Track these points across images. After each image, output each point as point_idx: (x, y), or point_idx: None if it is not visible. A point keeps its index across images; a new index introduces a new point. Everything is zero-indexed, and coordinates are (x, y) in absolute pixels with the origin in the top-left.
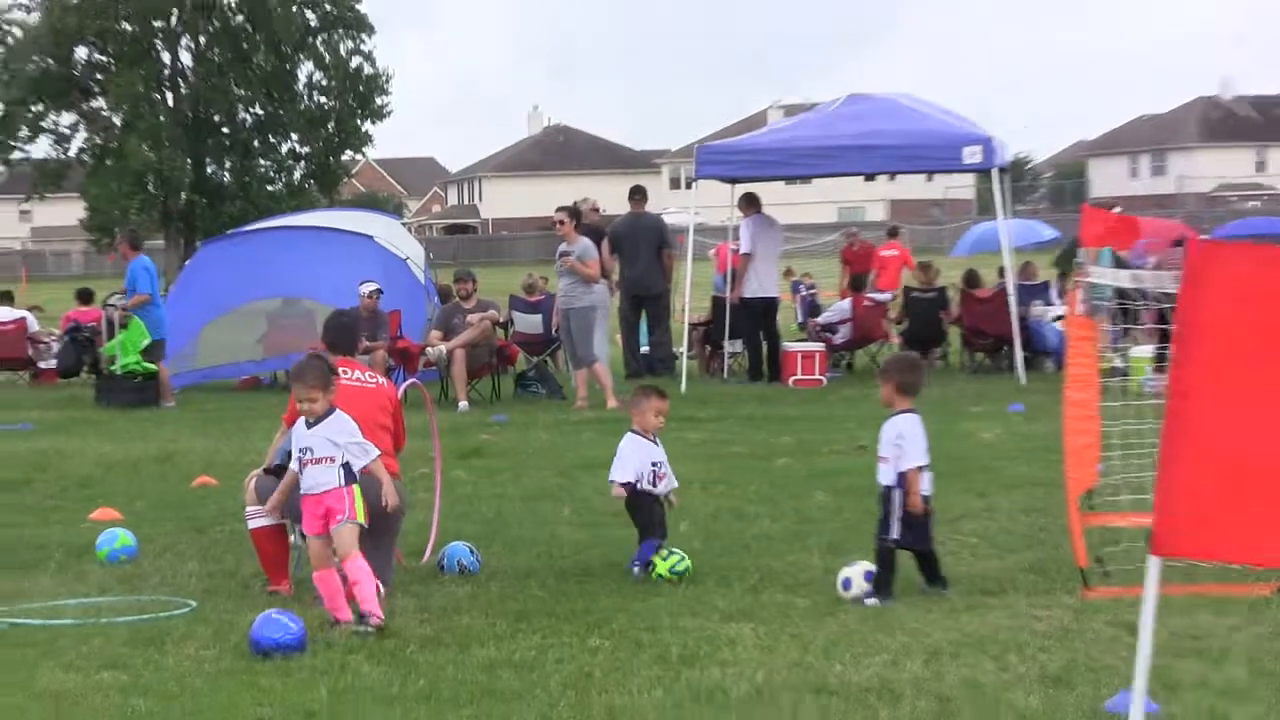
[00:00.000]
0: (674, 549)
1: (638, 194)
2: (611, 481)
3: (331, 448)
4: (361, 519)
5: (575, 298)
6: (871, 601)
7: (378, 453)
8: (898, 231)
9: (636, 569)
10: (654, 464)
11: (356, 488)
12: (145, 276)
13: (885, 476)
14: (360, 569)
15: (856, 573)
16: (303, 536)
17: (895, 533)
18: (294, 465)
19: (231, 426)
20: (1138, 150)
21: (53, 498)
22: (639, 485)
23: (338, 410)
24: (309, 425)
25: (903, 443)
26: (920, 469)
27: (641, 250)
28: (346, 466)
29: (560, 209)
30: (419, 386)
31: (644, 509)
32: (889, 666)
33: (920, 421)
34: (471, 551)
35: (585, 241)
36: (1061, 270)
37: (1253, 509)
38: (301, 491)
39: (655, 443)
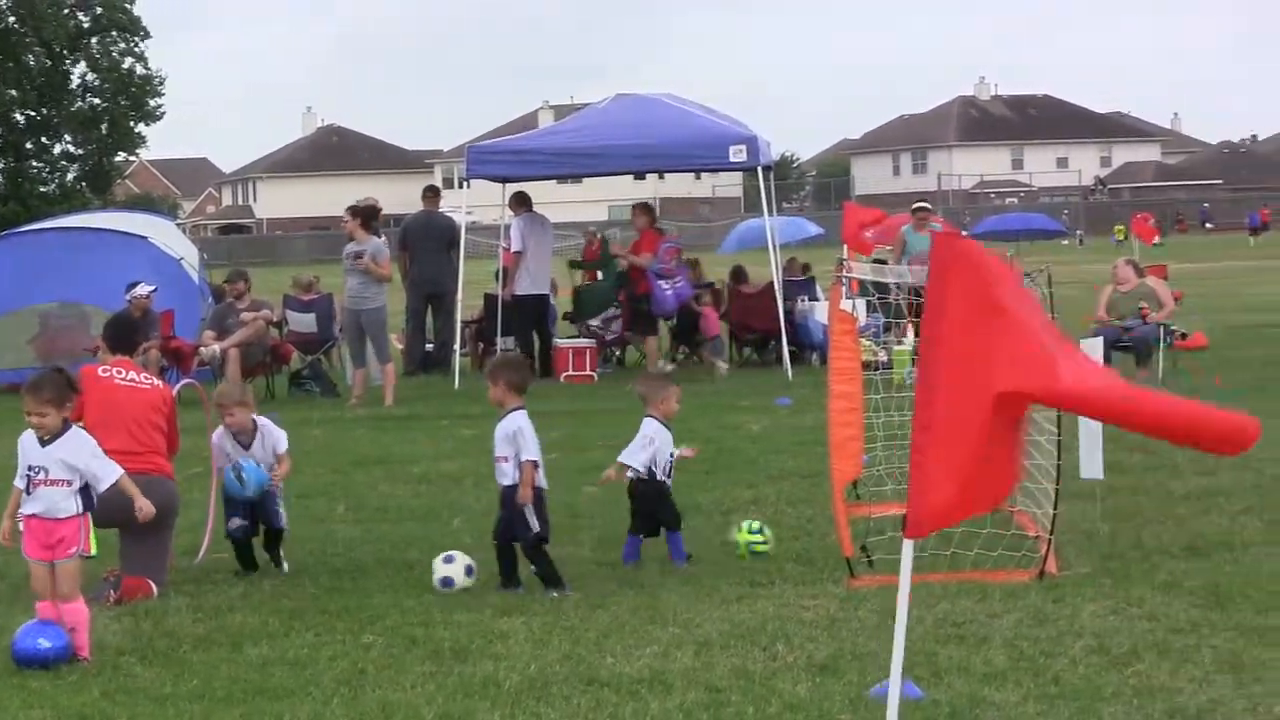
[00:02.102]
0: (761, 524)
1: (431, 193)
2: (620, 463)
3: (68, 470)
4: (94, 550)
5: (367, 299)
6: (553, 595)
7: (120, 472)
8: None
9: (631, 563)
10: (671, 454)
11: (90, 516)
12: None
13: (506, 476)
14: (79, 613)
15: (457, 570)
16: None
17: (536, 526)
18: (19, 482)
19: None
20: (899, 149)
21: None
22: (656, 475)
23: (75, 427)
24: (42, 443)
25: (520, 438)
26: (535, 463)
27: (432, 248)
28: (85, 490)
29: (349, 209)
30: (195, 386)
31: (650, 498)
32: (660, 658)
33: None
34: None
35: (377, 241)
36: None
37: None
38: (28, 511)
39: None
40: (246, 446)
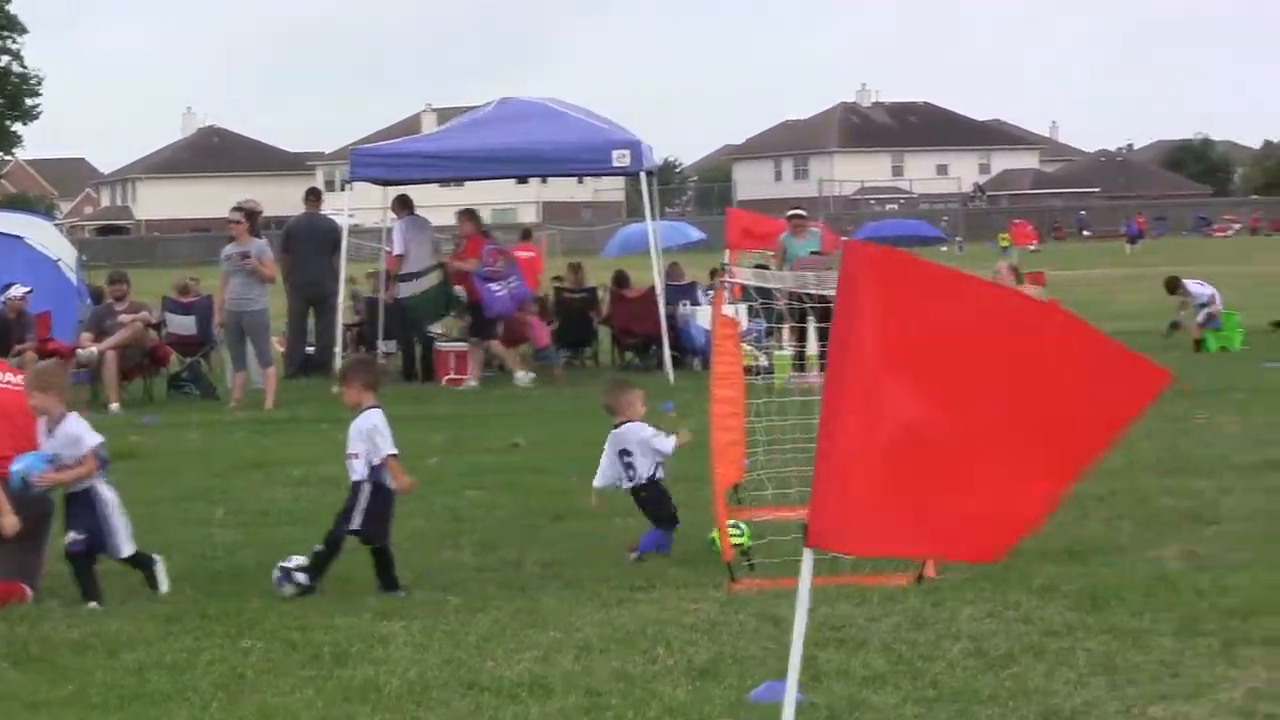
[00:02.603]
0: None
1: (313, 195)
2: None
3: None
4: None
5: (250, 300)
6: (301, 578)
7: None
8: (530, 233)
9: (635, 555)
10: (658, 459)
11: None
12: None
13: (356, 472)
14: None
15: (294, 571)
16: None
17: (357, 523)
18: None
19: None
20: (781, 154)
21: None
22: (655, 475)
23: None
24: None
25: (377, 436)
26: (395, 455)
27: (314, 251)
28: None
29: (236, 209)
30: (80, 390)
31: (658, 500)
32: (540, 662)
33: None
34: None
35: (260, 242)
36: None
37: (898, 502)
38: None
39: None
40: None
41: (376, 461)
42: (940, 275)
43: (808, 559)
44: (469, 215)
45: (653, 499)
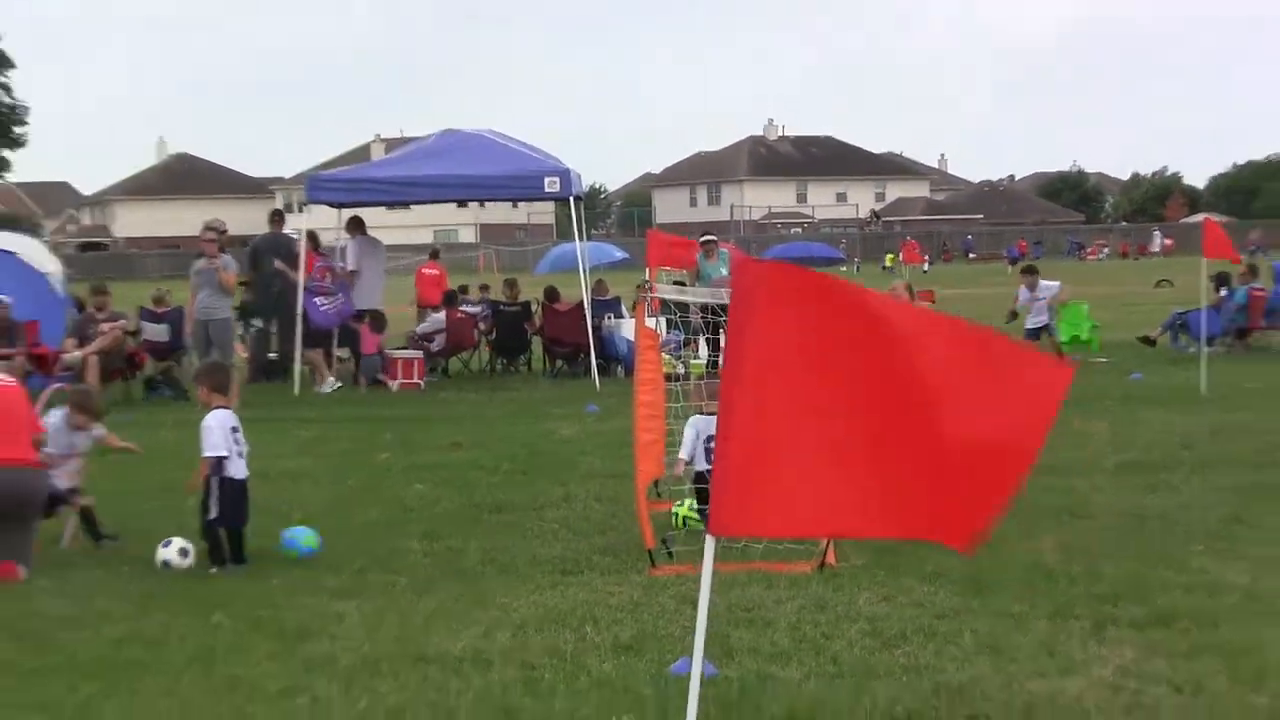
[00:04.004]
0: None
1: (277, 217)
2: (679, 459)
3: None
4: None
5: (217, 309)
6: (215, 570)
7: None
8: (438, 254)
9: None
10: (709, 439)
11: None
12: None
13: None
14: None
15: (173, 552)
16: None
17: (214, 513)
18: None
19: None
20: (696, 182)
21: None
22: (694, 461)
23: None
24: None
25: (205, 435)
26: (210, 459)
27: (277, 266)
28: None
29: (209, 227)
30: (66, 389)
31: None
32: (481, 638)
33: (231, 415)
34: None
35: (227, 257)
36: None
37: (787, 489)
38: None
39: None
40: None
41: (225, 454)
42: (825, 283)
43: (710, 545)
44: (309, 236)
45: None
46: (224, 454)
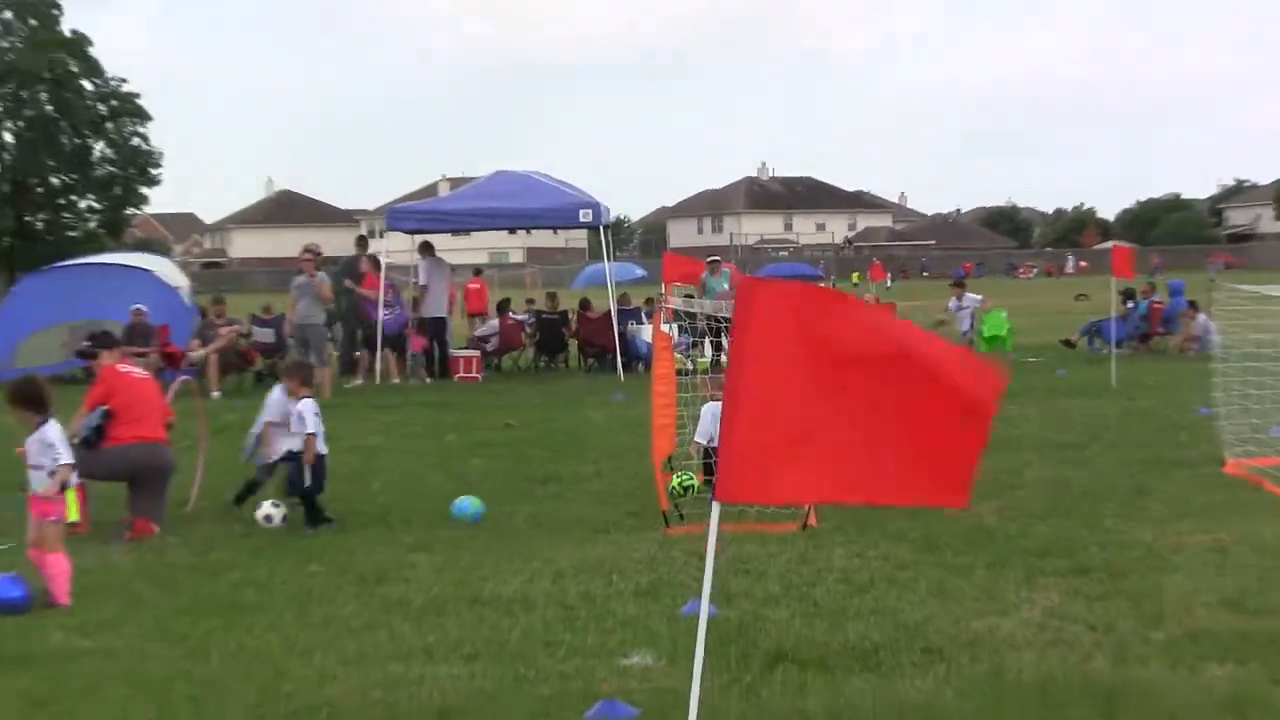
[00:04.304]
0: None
1: (361, 241)
2: (695, 441)
3: (39, 456)
4: (73, 517)
5: (313, 317)
6: (310, 531)
7: (66, 461)
8: (481, 271)
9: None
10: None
11: (70, 493)
12: None
13: (294, 442)
14: (57, 565)
15: (268, 508)
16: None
17: (309, 482)
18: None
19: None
20: (702, 214)
21: None
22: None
23: (49, 422)
24: (30, 435)
25: (304, 417)
26: (312, 435)
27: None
28: (57, 473)
29: (307, 250)
30: (191, 382)
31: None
32: (527, 584)
33: (315, 403)
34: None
35: (322, 274)
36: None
37: (781, 463)
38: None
39: None
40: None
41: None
42: (809, 293)
43: (715, 510)
44: (371, 260)
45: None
46: (313, 431)
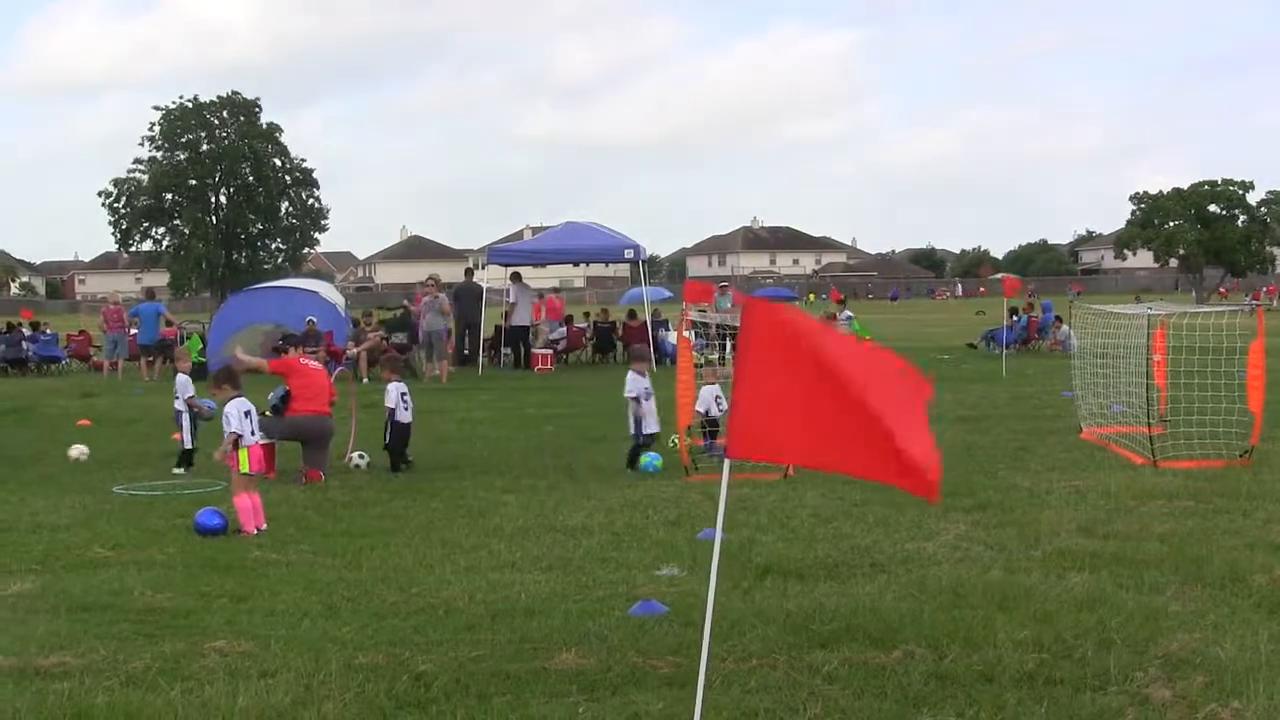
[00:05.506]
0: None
1: (468, 271)
2: (695, 410)
3: (224, 424)
4: (243, 469)
5: (436, 325)
6: (395, 475)
7: (234, 429)
8: (559, 290)
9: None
10: (716, 397)
11: (243, 452)
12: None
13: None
14: (240, 502)
15: (356, 458)
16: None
17: (387, 440)
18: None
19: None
20: (711, 253)
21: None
22: (709, 413)
23: (236, 398)
24: (222, 406)
25: (387, 395)
26: (393, 410)
27: (470, 300)
28: (238, 437)
29: (431, 278)
30: (347, 372)
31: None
32: (586, 516)
33: (402, 385)
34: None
35: (442, 295)
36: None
37: (776, 433)
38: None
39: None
40: None
41: (393, 407)
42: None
43: (726, 464)
44: (436, 284)
45: (716, 429)
46: (393, 407)
